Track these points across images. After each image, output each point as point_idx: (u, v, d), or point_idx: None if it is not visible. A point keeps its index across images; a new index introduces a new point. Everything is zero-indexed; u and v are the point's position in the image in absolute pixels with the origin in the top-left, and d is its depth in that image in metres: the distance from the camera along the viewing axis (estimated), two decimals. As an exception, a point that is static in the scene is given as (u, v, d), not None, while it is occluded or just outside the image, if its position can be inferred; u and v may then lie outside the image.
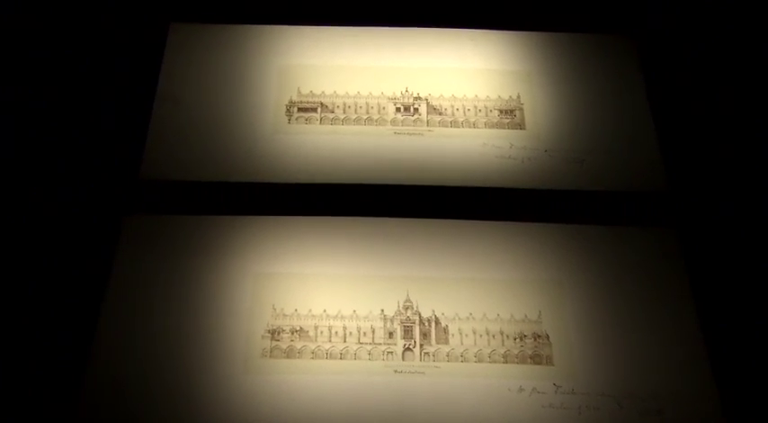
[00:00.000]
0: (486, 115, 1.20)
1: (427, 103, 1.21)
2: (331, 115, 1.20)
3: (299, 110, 1.20)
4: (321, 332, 1.00)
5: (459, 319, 1.02)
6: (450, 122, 1.19)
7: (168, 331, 0.95)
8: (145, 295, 0.98)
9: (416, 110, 1.21)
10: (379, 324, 1.01)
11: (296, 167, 1.14)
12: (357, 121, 1.19)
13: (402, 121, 1.20)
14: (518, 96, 1.21)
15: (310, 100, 1.20)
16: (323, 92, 1.22)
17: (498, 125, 1.19)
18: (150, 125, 1.16)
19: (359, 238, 1.08)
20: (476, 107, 1.21)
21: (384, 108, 1.21)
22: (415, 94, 1.22)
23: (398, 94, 1.22)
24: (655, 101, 1.22)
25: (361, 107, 1.20)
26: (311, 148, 1.15)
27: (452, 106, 1.21)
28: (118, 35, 1.23)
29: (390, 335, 1.00)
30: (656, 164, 1.15)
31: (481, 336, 0.99)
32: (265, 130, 1.17)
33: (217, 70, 1.23)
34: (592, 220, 1.11)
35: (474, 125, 1.19)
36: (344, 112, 1.20)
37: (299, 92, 1.21)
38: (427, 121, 1.19)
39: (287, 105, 1.20)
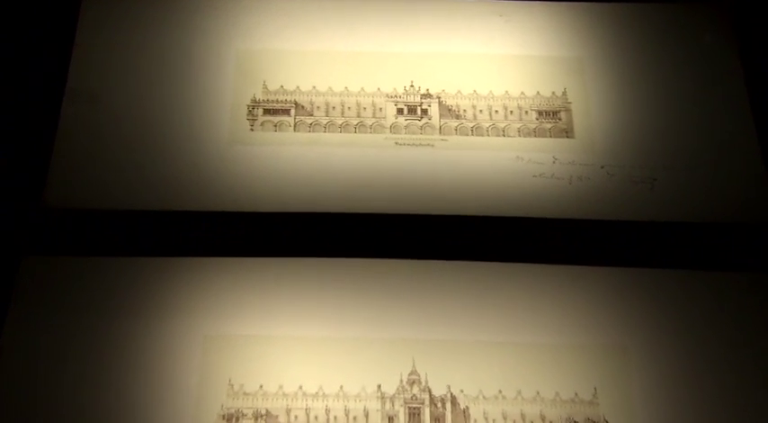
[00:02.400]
0: (521, 119, 1.29)
1: (440, 103, 1.30)
2: (309, 119, 1.28)
3: (266, 112, 1.29)
4: (296, 417, 1.04)
5: (485, 398, 1.05)
6: (472, 129, 1.28)
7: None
8: (44, 369, 1.03)
9: (425, 112, 1.30)
10: (374, 405, 1.05)
11: (260, 191, 1.19)
12: (345, 127, 1.28)
13: (406, 128, 1.29)
14: (564, 92, 1.31)
15: (281, 98, 1.29)
16: (298, 87, 1.30)
17: (537, 132, 1.28)
18: (57, 133, 1.24)
19: (346, 286, 1.15)
20: (506, 108, 1.30)
21: (381, 109, 1.29)
22: (423, 91, 1.31)
23: (401, 91, 1.31)
24: (757, 95, 1.30)
25: (349, 108, 1.29)
26: (282, 164, 1.23)
27: (474, 107, 1.30)
28: (12, 12, 1.35)
29: (390, 420, 1.05)
30: (759, 184, 1.21)
31: (514, 422, 1.05)
32: (218, 140, 1.25)
33: (149, 58, 1.30)
34: (666, 262, 1.19)
35: (504, 132, 1.28)
36: (327, 116, 1.29)
37: (265, 87, 1.30)
38: (440, 128, 1.29)
39: (249, 106, 1.29)
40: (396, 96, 1.31)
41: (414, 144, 1.27)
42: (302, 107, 1.29)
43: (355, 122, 1.29)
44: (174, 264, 1.17)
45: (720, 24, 1.35)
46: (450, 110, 1.30)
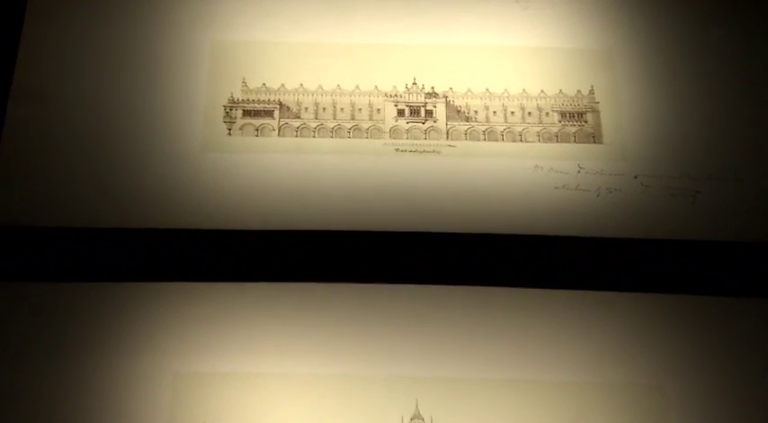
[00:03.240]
0: (541, 121, 1.30)
1: (447, 103, 1.31)
2: (296, 123, 1.29)
3: (246, 114, 1.30)
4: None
5: (501, 445, 1.06)
6: (484, 133, 1.29)
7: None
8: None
9: (429, 113, 1.30)
10: (372, 455, 1.06)
11: (239, 206, 1.22)
12: (337, 131, 1.29)
13: (407, 132, 1.29)
14: (591, 90, 1.32)
15: (263, 98, 1.30)
16: (283, 85, 1.31)
17: (560, 137, 1.29)
18: (1, 138, 1.25)
19: (339, 316, 1.17)
20: (524, 109, 1.31)
21: (379, 111, 1.30)
22: (427, 89, 1.32)
23: (401, 89, 1.32)
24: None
25: (342, 109, 1.30)
26: (265, 174, 1.24)
27: (487, 108, 1.31)
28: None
29: (391, 472, 1.06)
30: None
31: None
32: (190, 147, 1.26)
33: (109, 52, 1.32)
34: (710, 288, 1.20)
35: (521, 137, 1.29)
36: (317, 118, 1.29)
37: (244, 85, 1.31)
38: (447, 132, 1.29)
39: (226, 107, 1.30)
40: (396, 95, 1.31)
41: (416, 151, 1.27)
42: (288, 108, 1.30)
43: (349, 126, 1.29)
44: (139, 290, 1.18)
45: None
46: (458, 111, 1.30)
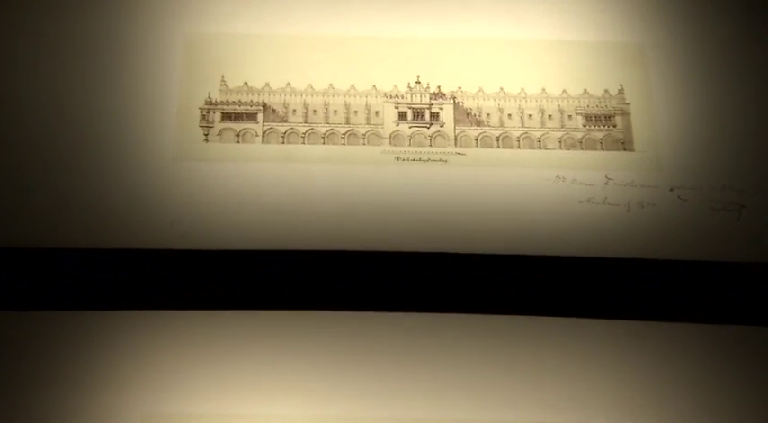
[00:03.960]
0: (563, 125, 1.30)
1: (455, 105, 1.31)
2: (283, 127, 1.30)
3: (225, 117, 1.30)
4: None
5: None
6: (498, 139, 1.30)
7: None
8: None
9: (435, 116, 1.31)
10: None
11: (218, 223, 1.22)
12: (330, 137, 1.29)
13: (410, 138, 1.30)
14: (620, 90, 1.32)
15: (245, 99, 1.31)
16: (267, 84, 1.32)
17: (585, 144, 1.29)
18: None
19: (331, 349, 1.16)
20: (543, 111, 1.31)
21: (378, 113, 1.31)
22: (433, 89, 1.32)
23: (403, 89, 1.32)
24: None
25: (336, 112, 1.30)
26: (247, 186, 1.25)
27: (500, 110, 1.31)
28: None
29: None
30: None
31: None
32: (161, 155, 1.27)
33: (68, 49, 1.33)
34: (757, 317, 1.20)
35: (540, 144, 1.29)
36: (307, 122, 1.30)
37: (223, 84, 1.32)
38: (455, 138, 1.30)
39: (202, 109, 1.30)
40: (397, 96, 1.31)
41: (420, 159, 1.27)
42: (273, 110, 1.30)
43: (343, 131, 1.29)
44: (101, 319, 1.18)
45: None
46: (468, 114, 1.30)
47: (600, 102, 1.32)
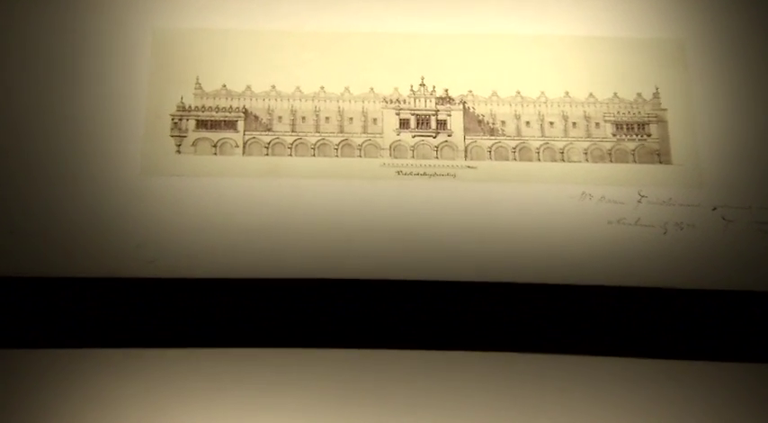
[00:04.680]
0: (589, 134, 1.30)
1: (465, 111, 1.31)
2: (266, 137, 1.30)
3: (201, 125, 1.30)
4: None
5: None
6: (514, 150, 1.30)
7: None
8: None
9: (443, 124, 1.31)
10: None
11: (192, 247, 1.22)
12: (321, 148, 1.29)
13: (413, 149, 1.30)
14: (656, 93, 1.32)
15: (223, 104, 1.31)
16: (249, 87, 1.32)
17: (615, 156, 1.29)
18: None
19: (323, 390, 1.16)
20: (566, 118, 1.31)
21: (376, 121, 1.31)
22: (439, 93, 1.32)
23: (405, 93, 1.32)
24: None
25: (328, 119, 1.31)
26: (225, 204, 1.24)
27: (517, 116, 1.31)
28: None
29: None
30: None
31: None
32: (127, 170, 1.26)
33: (21, 44, 1.33)
34: None
35: (563, 156, 1.29)
36: (294, 131, 1.30)
37: (198, 87, 1.32)
38: (466, 149, 1.30)
39: (174, 116, 1.30)
40: (398, 101, 1.31)
41: (425, 174, 1.27)
42: (256, 117, 1.30)
43: (337, 141, 1.29)
44: (60, 357, 1.18)
45: None
46: (480, 121, 1.30)
47: (632, 107, 1.31)
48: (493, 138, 1.29)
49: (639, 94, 1.31)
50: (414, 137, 1.29)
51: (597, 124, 1.30)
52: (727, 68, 1.33)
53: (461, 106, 1.31)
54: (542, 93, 1.31)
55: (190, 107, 1.30)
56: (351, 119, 1.30)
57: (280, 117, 1.30)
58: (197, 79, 1.31)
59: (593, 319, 1.21)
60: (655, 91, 1.32)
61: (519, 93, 1.31)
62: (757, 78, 1.33)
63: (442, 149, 1.29)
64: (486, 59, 1.34)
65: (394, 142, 1.29)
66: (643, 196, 1.25)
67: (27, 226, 1.22)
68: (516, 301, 1.21)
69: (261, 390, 1.15)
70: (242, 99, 1.31)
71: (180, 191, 1.25)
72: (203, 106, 1.30)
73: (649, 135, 1.29)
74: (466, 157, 1.28)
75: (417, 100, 1.31)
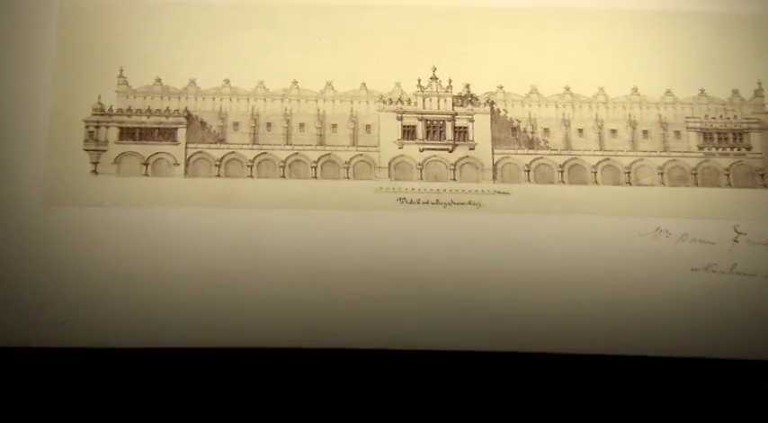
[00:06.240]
0: (667, 146, 1.23)
1: (493, 114, 1.25)
2: (218, 151, 1.24)
3: (126, 134, 1.23)
4: None
5: None
6: (563, 170, 1.24)
7: None
8: None
9: (462, 133, 1.24)
10: None
11: (115, 305, 1.11)
12: (294, 165, 1.23)
13: (422, 167, 1.23)
14: (757, 91, 1.25)
15: (157, 105, 1.24)
16: (192, 82, 1.26)
17: (702, 176, 1.22)
18: None
19: None
20: (634, 124, 1.25)
21: (370, 128, 1.25)
22: (458, 89, 1.25)
23: (411, 89, 1.25)
24: None
25: (303, 125, 1.25)
26: (161, 246, 1.15)
27: (566, 122, 1.25)
28: None
29: None
30: None
31: None
32: (25, 197, 1.17)
33: None
34: None
35: (631, 176, 1.23)
36: (256, 142, 1.23)
37: (122, 82, 1.25)
38: (495, 167, 1.23)
39: (89, 122, 1.22)
40: (401, 101, 1.21)
41: (439, 202, 1.16)
42: (202, 123, 1.21)
43: (315, 156, 1.19)
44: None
45: None
46: (515, 129, 1.21)
47: (725, 109, 1.20)
48: (532, 152, 1.19)
49: (736, 92, 1.21)
50: (422, 150, 1.19)
51: (677, 133, 1.20)
52: None
53: (488, 108, 1.20)
54: (601, 89, 1.21)
55: (111, 110, 1.19)
56: (334, 125, 1.20)
57: (236, 123, 1.19)
58: (120, 71, 1.21)
59: (673, 398, 1.10)
60: (757, 87, 1.21)
61: (568, 89, 1.21)
62: None
63: (461, 168, 1.19)
64: (522, 42, 1.23)
65: (395, 158, 1.19)
66: (741, 233, 1.15)
67: None
68: (565, 376, 1.10)
69: None
70: (183, 98, 1.20)
71: (97, 227, 1.13)
72: (129, 109, 1.19)
73: (749, 148, 1.19)
74: (495, 178, 1.18)
75: (427, 99, 1.21)
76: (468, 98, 1.21)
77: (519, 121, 1.19)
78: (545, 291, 1.14)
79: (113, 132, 1.19)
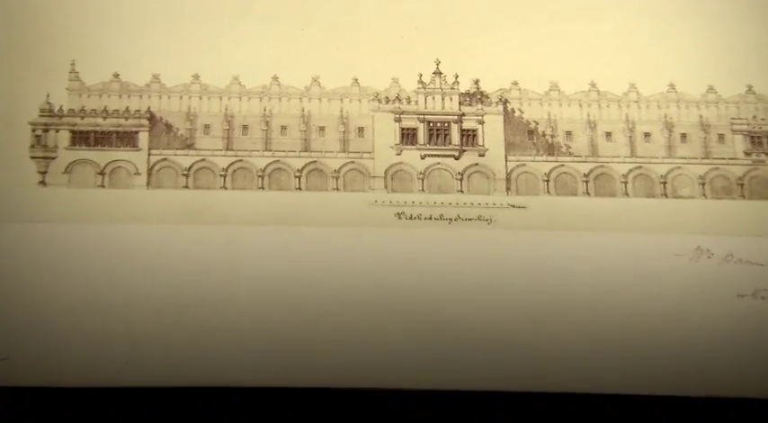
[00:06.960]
0: (708, 153, 1.20)
1: (507, 114, 1.20)
2: (186, 158, 1.20)
3: (79, 138, 1.19)
4: None
5: None
6: (588, 179, 1.20)
7: None
8: None
9: (471, 137, 1.21)
10: None
11: (63, 342, 1.05)
12: (274, 175, 1.19)
13: (424, 176, 1.19)
14: None
15: (115, 105, 1.19)
16: (156, 77, 1.22)
17: (749, 188, 1.17)
18: None
19: None
20: (671, 126, 1.21)
21: (363, 131, 1.21)
22: (465, 86, 1.20)
23: (411, 86, 1.20)
24: None
25: (285, 128, 1.21)
26: (118, 270, 1.09)
27: (592, 124, 1.21)
28: None
29: None
30: None
31: None
32: None
33: None
34: None
35: (667, 188, 1.19)
36: (230, 148, 1.19)
37: (74, 77, 1.20)
38: (508, 176, 1.19)
39: (36, 125, 1.17)
40: (399, 99, 1.16)
41: (443, 217, 1.10)
42: (168, 126, 1.16)
43: (299, 164, 1.14)
44: None
45: None
46: (532, 132, 1.16)
47: None
48: (552, 159, 1.14)
49: (790, 91, 1.34)
50: (424, 157, 1.13)
51: (721, 136, 1.14)
52: None
53: (501, 107, 1.14)
54: (632, 85, 1.15)
55: (61, 110, 1.14)
56: (322, 128, 1.15)
57: (207, 126, 1.14)
58: (72, 64, 1.15)
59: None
60: (816, 85, 1.35)
61: (594, 85, 1.16)
62: None
63: (469, 177, 1.14)
64: (541, 31, 1.16)
65: (392, 166, 1.14)
66: None
67: None
68: (598, 420, 1.04)
69: None
70: (146, 96, 1.15)
71: (45, 247, 1.07)
72: (83, 109, 1.14)
73: (813, 157, 1.33)
74: (508, 189, 1.13)
75: (430, 97, 1.16)
76: (477, 96, 1.18)
77: (537, 123, 1.17)
78: (567, 321, 1.09)
79: (64, 136, 1.15)
